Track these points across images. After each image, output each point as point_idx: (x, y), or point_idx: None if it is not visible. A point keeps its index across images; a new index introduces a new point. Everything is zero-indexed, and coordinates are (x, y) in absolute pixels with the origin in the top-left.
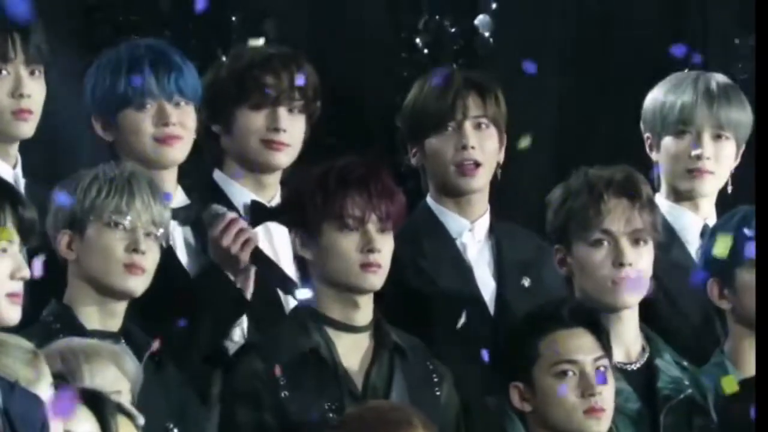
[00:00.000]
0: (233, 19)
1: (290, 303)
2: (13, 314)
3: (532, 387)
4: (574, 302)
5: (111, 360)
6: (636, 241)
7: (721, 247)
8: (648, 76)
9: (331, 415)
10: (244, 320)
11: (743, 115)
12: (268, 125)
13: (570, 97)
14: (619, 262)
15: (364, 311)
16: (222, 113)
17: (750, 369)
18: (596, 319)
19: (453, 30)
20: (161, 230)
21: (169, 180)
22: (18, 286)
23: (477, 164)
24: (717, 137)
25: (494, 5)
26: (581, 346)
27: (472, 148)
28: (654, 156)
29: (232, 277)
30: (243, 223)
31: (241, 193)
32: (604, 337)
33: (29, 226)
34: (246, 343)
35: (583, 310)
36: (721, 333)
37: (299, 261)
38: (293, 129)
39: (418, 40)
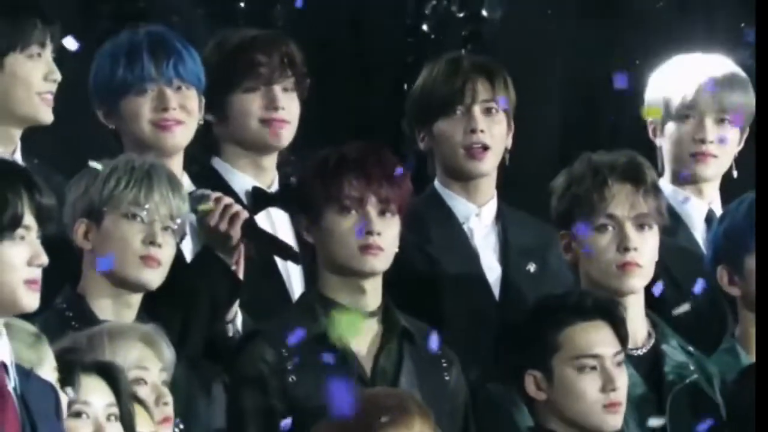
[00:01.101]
0: (241, 5)
1: (294, 288)
2: (32, 301)
3: (550, 377)
4: (594, 294)
5: (139, 340)
6: (641, 226)
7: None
8: (650, 59)
9: None
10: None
11: (746, 99)
12: (266, 105)
13: (576, 82)
14: (624, 247)
15: (372, 296)
16: (215, 101)
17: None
18: (614, 311)
19: (460, 15)
20: (179, 223)
21: (175, 166)
22: (36, 273)
23: (485, 148)
24: (720, 121)
25: None
26: (603, 339)
27: (481, 131)
28: (657, 141)
29: (225, 258)
30: (228, 200)
31: (242, 179)
32: (623, 330)
33: (47, 213)
34: (253, 329)
35: (603, 302)
36: (730, 318)
37: (306, 246)
38: (290, 106)
39: (425, 26)
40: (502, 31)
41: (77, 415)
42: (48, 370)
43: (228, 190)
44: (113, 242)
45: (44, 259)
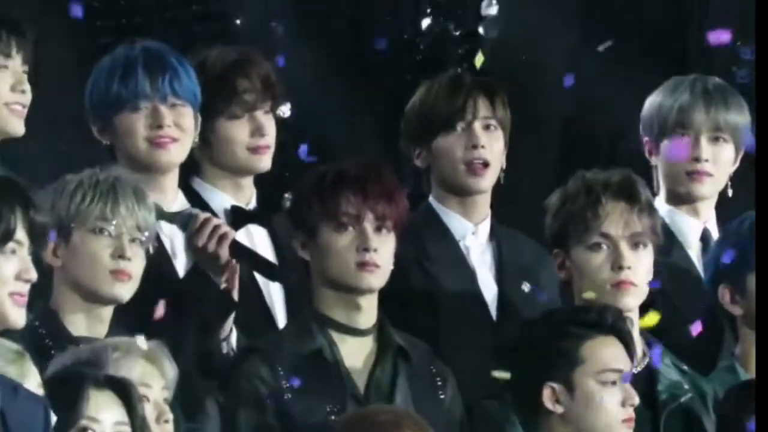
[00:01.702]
0: (237, 22)
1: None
2: (17, 316)
3: (570, 389)
4: (612, 309)
5: (142, 356)
6: (635, 245)
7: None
8: (649, 81)
9: (333, 417)
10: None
11: (741, 118)
12: (252, 132)
13: (572, 101)
14: (618, 266)
15: (367, 313)
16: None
17: None
18: (625, 328)
19: (456, 34)
20: (146, 235)
21: (169, 183)
22: (23, 287)
23: (486, 164)
24: (715, 140)
25: (496, 10)
26: (621, 355)
27: (482, 147)
28: (653, 160)
29: (214, 277)
30: (216, 221)
31: (221, 197)
32: (632, 346)
33: (40, 229)
34: (248, 346)
35: (619, 318)
36: (729, 337)
37: (301, 264)
38: (271, 130)
39: (421, 45)
40: (499, 50)
41: (83, 431)
42: (32, 386)
43: (206, 209)
44: (82, 258)
45: (33, 275)
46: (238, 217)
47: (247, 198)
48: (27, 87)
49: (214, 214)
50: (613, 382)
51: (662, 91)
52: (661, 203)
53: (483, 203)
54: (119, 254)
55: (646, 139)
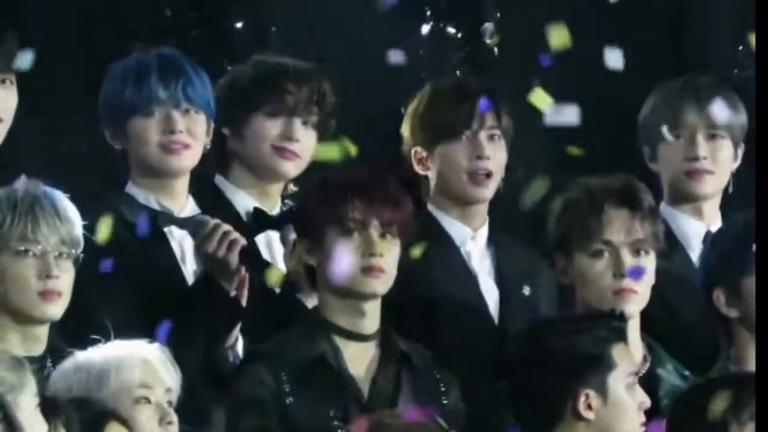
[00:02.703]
0: (237, 26)
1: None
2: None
3: (604, 396)
4: (623, 314)
5: (144, 359)
6: (637, 252)
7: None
8: (651, 85)
9: (336, 422)
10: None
11: (736, 116)
12: (282, 133)
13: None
14: (620, 273)
15: (371, 319)
16: (235, 117)
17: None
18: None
19: (458, 37)
20: (74, 249)
21: (180, 189)
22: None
23: (489, 174)
24: (711, 137)
25: (498, 14)
26: (633, 358)
27: (487, 158)
28: (653, 167)
29: (225, 285)
30: (226, 227)
31: (244, 199)
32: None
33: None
34: (252, 350)
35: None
36: (723, 340)
37: (307, 270)
38: (306, 141)
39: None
40: (499, 55)
41: None
42: (29, 396)
43: (230, 208)
44: (9, 281)
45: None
46: (259, 220)
47: (272, 205)
48: None
49: (237, 215)
50: (632, 386)
51: (655, 96)
52: (665, 207)
53: (482, 210)
54: (46, 274)
55: (645, 147)
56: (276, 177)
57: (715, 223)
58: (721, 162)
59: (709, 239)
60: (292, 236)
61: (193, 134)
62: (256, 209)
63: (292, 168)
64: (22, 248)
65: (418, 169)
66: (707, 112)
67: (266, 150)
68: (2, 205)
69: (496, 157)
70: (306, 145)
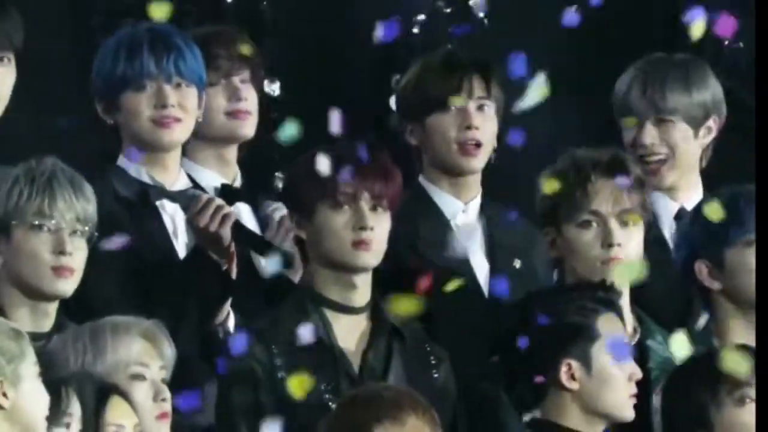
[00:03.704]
0: (228, 1)
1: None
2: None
3: (587, 366)
4: (613, 285)
5: (140, 335)
6: (625, 222)
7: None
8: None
9: (327, 396)
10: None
11: (685, 96)
12: (229, 97)
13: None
14: (608, 243)
15: (362, 292)
16: None
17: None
18: (618, 305)
19: (448, 11)
20: (88, 226)
21: (172, 163)
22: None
23: (478, 144)
24: (661, 121)
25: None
26: (623, 330)
27: (476, 128)
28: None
29: (216, 258)
30: (219, 201)
31: (209, 176)
32: (624, 322)
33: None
34: (243, 324)
35: (616, 295)
36: (700, 311)
37: (298, 242)
38: (251, 97)
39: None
40: (490, 28)
41: None
42: (29, 365)
43: (197, 188)
44: (23, 255)
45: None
46: (228, 195)
47: (233, 175)
48: None
49: (205, 192)
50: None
51: (621, 78)
52: None
53: (474, 182)
54: (59, 250)
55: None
56: (234, 140)
57: (692, 200)
58: (676, 145)
59: (691, 212)
60: (278, 214)
61: (185, 108)
62: (223, 185)
63: (248, 127)
64: (37, 223)
65: (411, 140)
66: (651, 96)
67: (220, 118)
68: (20, 179)
69: (486, 127)
70: (252, 101)
